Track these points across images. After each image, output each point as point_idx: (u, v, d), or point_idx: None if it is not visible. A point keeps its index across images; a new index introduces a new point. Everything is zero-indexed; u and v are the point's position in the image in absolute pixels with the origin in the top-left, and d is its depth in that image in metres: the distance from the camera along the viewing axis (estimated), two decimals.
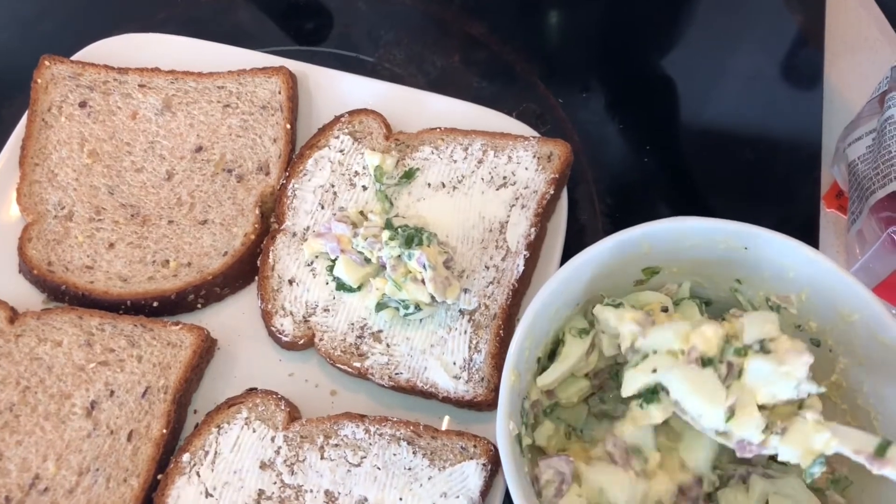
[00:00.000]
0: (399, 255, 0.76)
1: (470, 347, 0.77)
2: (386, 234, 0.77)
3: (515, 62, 1.03)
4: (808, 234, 0.91)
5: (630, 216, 0.91)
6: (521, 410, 0.66)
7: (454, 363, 0.76)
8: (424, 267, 0.74)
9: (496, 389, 0.74)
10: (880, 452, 0.56)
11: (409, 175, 0.85)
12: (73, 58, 0.95)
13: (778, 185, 0.96)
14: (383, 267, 0.77)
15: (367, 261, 0.79)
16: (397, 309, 0.77)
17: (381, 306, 0.77)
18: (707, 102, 1.03)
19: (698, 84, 1.04)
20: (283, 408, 0.76)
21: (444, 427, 0.76)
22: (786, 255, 0.68)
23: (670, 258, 0.71)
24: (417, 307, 0.76)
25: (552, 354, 0.71)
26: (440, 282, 0.75)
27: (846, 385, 0.69)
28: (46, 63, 0.93)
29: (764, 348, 0.61)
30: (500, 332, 0.77)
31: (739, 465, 0.71)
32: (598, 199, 0.93)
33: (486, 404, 0.75)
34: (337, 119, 0.89)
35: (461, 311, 0.78)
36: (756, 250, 0.69)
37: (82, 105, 0.91)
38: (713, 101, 1.03)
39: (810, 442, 0.58)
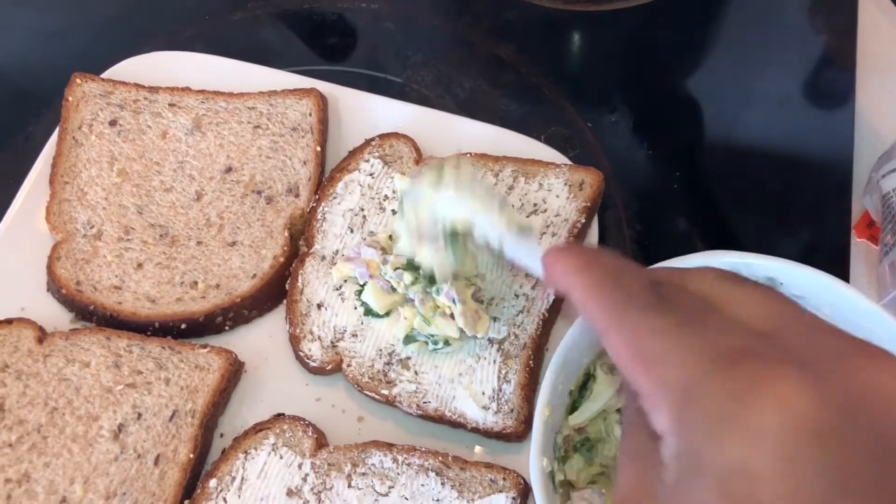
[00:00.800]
0: (427, 290, 0.75)
1: (499, 377, 0.76)
2: (408, 277, 0.75)
3: (543, 84, 1.03)
4: (839, 263, 0.90)
5: (659, 243, 0.91)
6: (554, 445, 0.66)
7: (483, 393, 0.76)
8: (454, 301, 0.74)
9: (525, 421, 0.74)
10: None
11: None
12: (104, 75, 0.95)
13: (808, 212, 0.96)
14: (411, 300, 0.77)
15: (395, 289, 0.78)
16: (426, 343, 0.77)
17: (409, 339, 0.77)
18: (737, 126, 1.02)
19: (727, 107, 1.03)
20: (310, 434, 0.75)
21: (474, 458, 0.76)
22: (819, 290, 0.67)
23: None
24: (446, 342, 0.76)
25: (583, 385, 0.71)
26: (470, 316, 0.74)
27: None
28: (78, 81, 0.93)
29: None
30: (530, 362, 0.76)
31: None
32: (627, 226, 0.92)
33: (516, 436, 0.74)
34: (367, 142, 0.89)
35: (490, 340, 0.78)
36: (789, 285, 0.68)
37: (112, 123, 0.91)
38: (743, 124, 1.02)
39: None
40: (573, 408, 0.70)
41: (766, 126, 1.02)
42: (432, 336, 0.76)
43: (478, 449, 0.76)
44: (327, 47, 1.07)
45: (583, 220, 0.82)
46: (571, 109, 1.00)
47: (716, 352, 0.40)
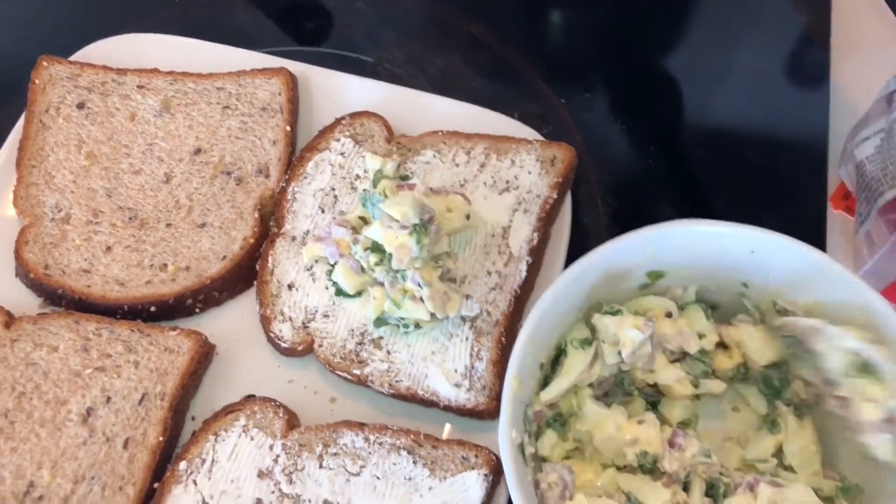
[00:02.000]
0: (394, 273, 0.74)
1: (471, 355, 0.75)
2: (374, 258, 0.74)
3: (517, 62, 1.02)
4: (816, 235, 0.90)
5: (634, 218, 0.89)
6: (525, 418, 0.65)
7: (455, 370, 0.75)
8: (420, 285, 0.73)
9: (497, 398, 0.73)
10: None
11: (404, 179, 0.83)
12: (72, 58, 0.93)
13: (784, 185, 0.95)
14: (380, 282, 0.76)
15: (364, 269, 0.77)
16: (397, 326, 0.76)
17: (380, 321, 0.76)
18: (712, 102, 1.01)
19: (703, 84, 1.03)
20: (281, 415, 0.74)
21: (444, 435, 0.75)
22: (793, 258, 0.67)
23: (675, 262, 0.70)
24: (417, 325, 0.75)
25: (556, 360, 0.70)
26: (438, 298, 0.73)
27: None
28: (44, 63, 0.92)
29: None
30: (502, 339, 0.76)
31: (747, 472, 0.70)
32: (601, 201, 0.92)
33: (488, 413, 0.73)
34: (338, 121, 0.88)
35: (463, 318, 0.77)
36: (762, 254, 0.68)
37: (80, 106, 0.90)
38: (718, 101, 1.01)
39: None
40: (545, 383, 0.69)
41: (743, 102, 1.01)
42: (403, 319, 0.75)
43: (447, 426, 0.76)
44: (300, 28, 1.06)
45: (555, 196, 0.81)
46: (545, 87, 0.99)
47: None
